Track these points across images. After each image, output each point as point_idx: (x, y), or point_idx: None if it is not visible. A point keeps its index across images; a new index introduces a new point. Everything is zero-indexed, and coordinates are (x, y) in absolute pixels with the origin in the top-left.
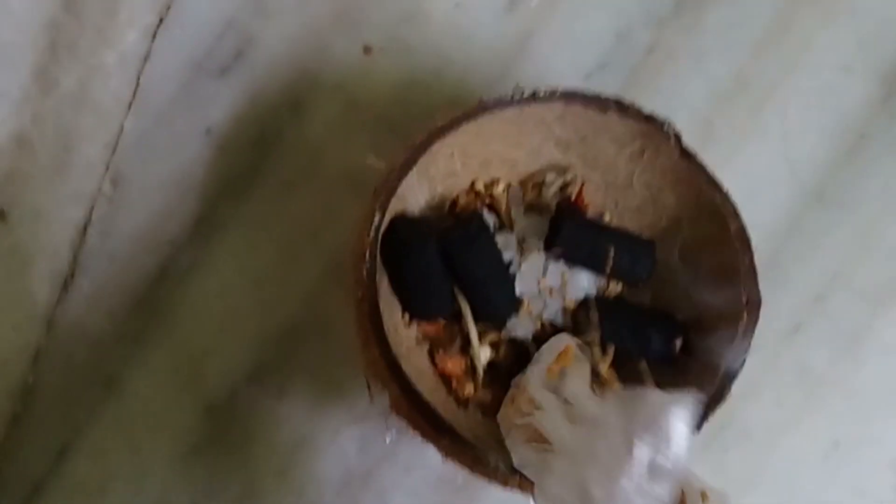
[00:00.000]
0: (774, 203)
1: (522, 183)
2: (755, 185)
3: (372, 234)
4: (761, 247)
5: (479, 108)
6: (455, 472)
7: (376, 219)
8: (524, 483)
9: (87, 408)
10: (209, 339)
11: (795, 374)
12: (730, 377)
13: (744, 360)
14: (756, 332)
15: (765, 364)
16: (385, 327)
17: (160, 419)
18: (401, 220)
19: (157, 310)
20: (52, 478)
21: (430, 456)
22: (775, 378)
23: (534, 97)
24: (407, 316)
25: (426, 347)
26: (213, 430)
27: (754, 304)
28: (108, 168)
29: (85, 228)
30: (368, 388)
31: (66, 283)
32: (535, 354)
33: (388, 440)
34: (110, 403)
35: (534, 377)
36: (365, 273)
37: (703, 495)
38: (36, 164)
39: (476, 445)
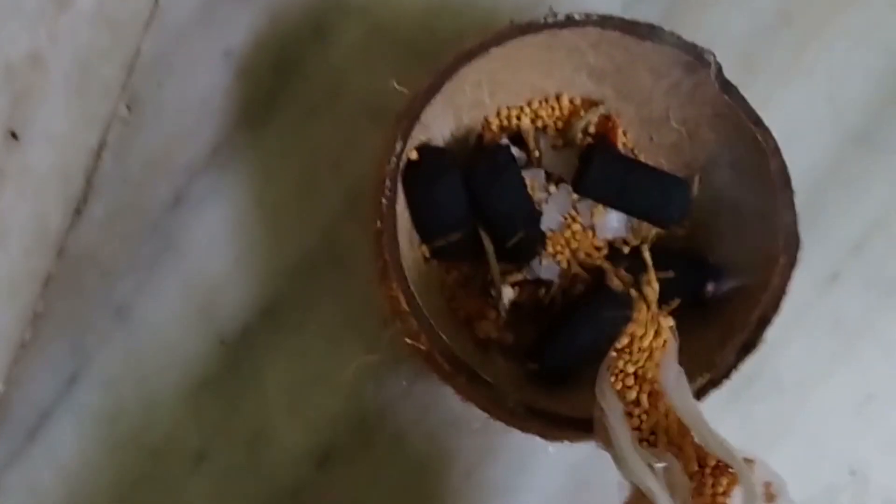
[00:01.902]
0: (815, 146)
1: (552, 115)
2: (796, 127)
3: (392, 162)
4: (799, 191)
5: (509, 32)
6: (472, 415)
7: (397, 146)
8: (544, 428)
9: (98, 336)
10: (223, 270)
11: (830, 324)
12: (764, 323)
13: (779, 306)
14: (792, 279)
15: (798, 314)
16: (404, 262)
17: (172, 350)
18: (424, 151)
19: (170, 238)
20: (61, 406)
21: (447, 397)
22: (809, 328)
23: (568, 21)
24: (427, 252)
25: (446, 287)
26: (225, 364)
27: (793, 247)
28: (123, 90)
29: (99, 152)
30: (385, 323)
31: (79, 208)
32: None
33: (404, 383)
34: (121, 332)
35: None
36: (384, 203)
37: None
38: (50, 83)
39: (494, 386)
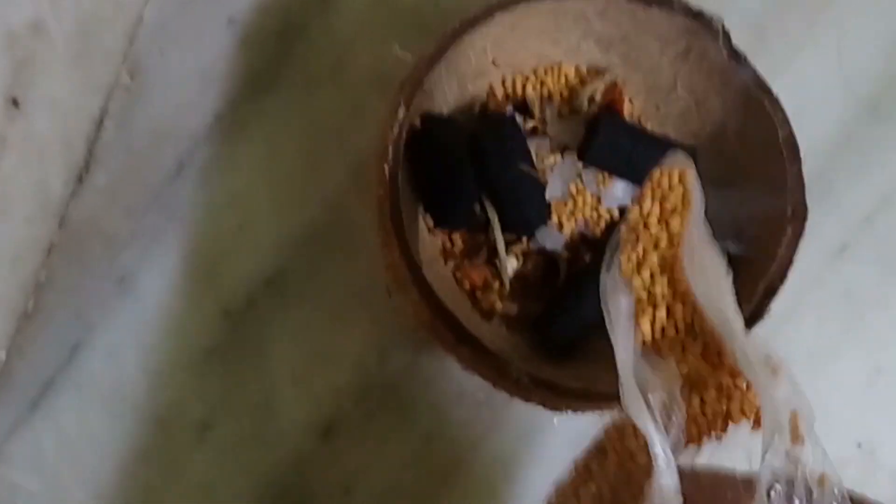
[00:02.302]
0: (825, 117)
1: (558, 84)
2: (806, 98)
3: (395, 129)
4: (809, 163)
5: None
6: (477, 387)
7: (400, 113)
8: (547, 397)
9: (101, 306)
10: (227, 240)
11: (840, 296)
12: (771, 293)
13: (786, 276)
14: (800, 250)
15: (808, 286)
16: (407, 231)
17: (175, 321)
18: (428, 120)
19: (173, 207)
20: (64, 375)
21: (451, 369)
22: (819, 300)
23: None
24: (431, 222)
25: (450, 258)
26: (229, 336)
27: (800, 216)
28: (125, 57)
29: (101, 120)
30: (388, 293)
31: (81, 177)
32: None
33: (408, 355)
34: (124, 302)
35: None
36: (387, 170)
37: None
38: (52, 51)
39: (498, 355)
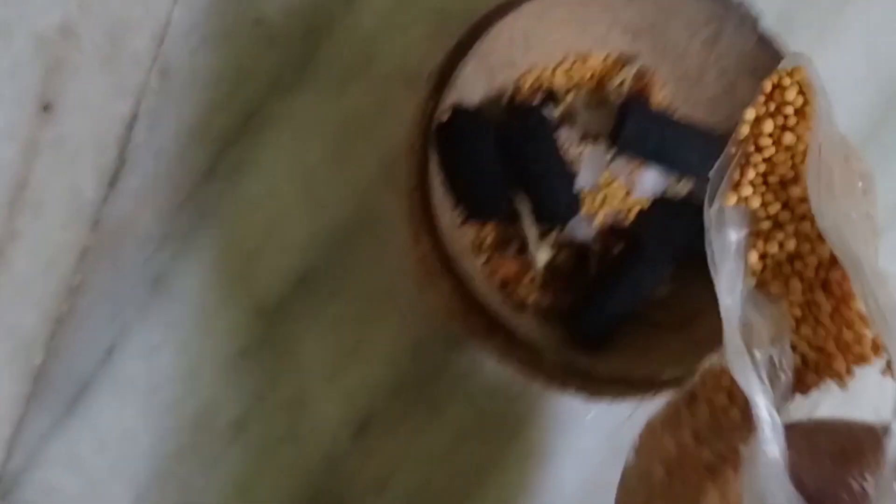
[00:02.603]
0: (853, 106)
1: (586, 74)
2: (834, 87)
3: (424, 121)
4: None
5: None
6: (510, 381)
7: (429, 103)
8: (582, 386)
9: (135, 307)
10: (258, 239)
11: None
12: None
13: None
14: None
15: None
16: (438, 225)
17: (209, 320)
18: (457, 112)
19: (205, 208)
20: (101, 377)
21: (484, 364)
22: None
23: None
24: (462, 216)
25: (481, 250)
26: (262, 333)
27: None
28: (155, 60)
29: (132, 123)
30: (420, 286)
31: (113, 180)
32: None
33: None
34: (158, 303)
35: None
36: (416, 162)
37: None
38: (82, 54)
39: (532, 345)
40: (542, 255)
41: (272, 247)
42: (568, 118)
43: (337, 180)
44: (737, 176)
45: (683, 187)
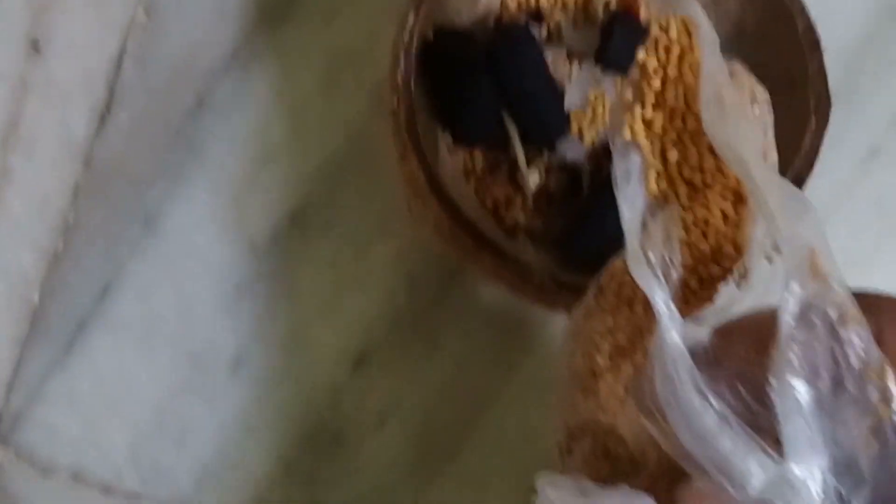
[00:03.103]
0: (850, 16)
1: None
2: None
3: (406, 37)
4: (835, 66)
5: None
6: (508, 312)
7: (410, 19)
8: (572, 302)
9: (129, 245)
10: (250, 174)
11: (872, 203)
12: (798, 185)
13: (813, 166)
14: (827, 152)
15: (838, 193)
16: (426, 149)
17: (203, 257)
18: (441, 34)
19: (195, 144)
20: (97, 316)
21: (481, 295)
22: (850, 208)
23: None
24: (450, 140)
25: (471, 177)
26: (257, 269)
27: (823, 107)
28: None
29: (120, 59)
30: (408, 208)
31: (103, 117)
32: None
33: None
34: (152, 241)
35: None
36: (400, 78)
37: None
38: None
39: (520, 261)
40: (532, 178)
41: (264, 181)
42: (554, 37)
43: (327, 113)
44: (633, 111)
45: None
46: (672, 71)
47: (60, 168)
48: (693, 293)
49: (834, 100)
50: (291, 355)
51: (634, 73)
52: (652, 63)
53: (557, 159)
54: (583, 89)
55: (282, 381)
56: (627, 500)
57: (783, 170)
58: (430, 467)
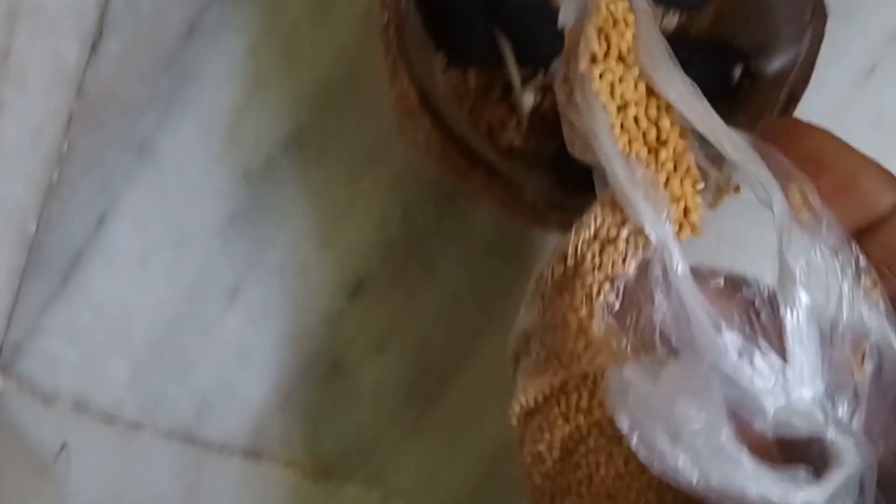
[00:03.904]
0: None
1: None
2: None
3: None
4: None
5: None
6: (503, 239)
7: None
8: (564, 220)
9: (123, 175)
10: (242, 101)
11: (870, 120)
12: (794, 100)
13: (808, 80)
14: (825, 69)
15: (836, 111)
16: (418, 69)
17: (197, 186)
18: None
19: (186, 71)
20: (93, 246)
21: (477, 222)
22: (848, 126)
23: None
24: (443, 62)
25: (465, 99)
26: (251, 198)
27: (819, 18)
28: None
29: None
30: (399, 125)
31: (95, 44)
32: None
33: (432, 208)
34: (146, 170)
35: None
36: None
37: None
38: None
39: (512, 179)
40: (527, 99)
41: (256, 108)
42: None
43: (319, 37)
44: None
45: (671, 21)
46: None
47: (53, 98)
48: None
49: (832, 15)
50: (287, 284)
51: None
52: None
53: (552, 79)
54: (576, 6)
55: (279, 310)
56: (689, 364)
57: (779, 84)
58: (427, 393)
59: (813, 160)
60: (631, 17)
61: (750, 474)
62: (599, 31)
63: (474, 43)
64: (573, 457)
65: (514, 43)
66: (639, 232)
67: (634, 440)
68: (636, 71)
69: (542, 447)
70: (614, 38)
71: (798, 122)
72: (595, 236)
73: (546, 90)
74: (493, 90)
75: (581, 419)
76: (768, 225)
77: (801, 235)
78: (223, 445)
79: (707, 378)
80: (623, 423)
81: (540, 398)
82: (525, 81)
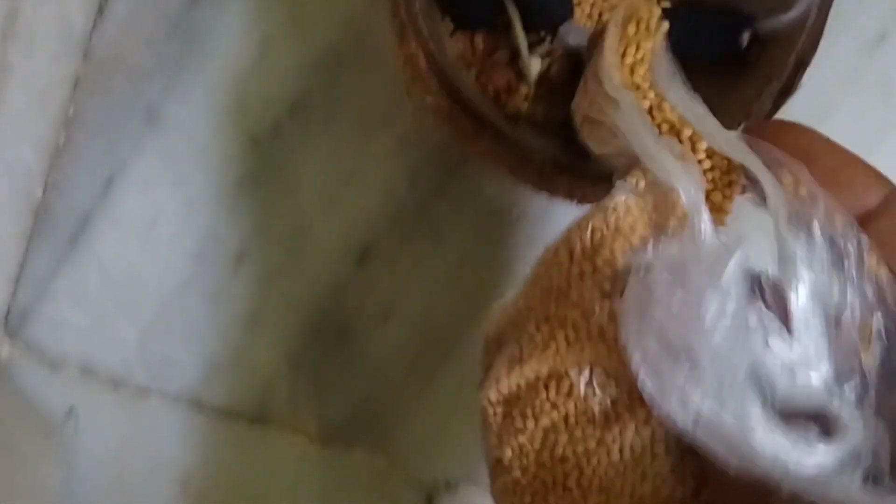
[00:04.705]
0: None
1: None
2: None
3: None
4: None
5: None
6: (509, 205)
7: None
8: (572, 185)
9: (130, 139)
10: (249, 66)
11: (879, 87)
12: (802, 65)
13: (816, 46)
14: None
15: (845, 79)
16: (425, 31)
17: (204, 151)
18: None
19: (193, 35)
20: (100, 210)
21: (483, 188)
22: (855, 95)
23: None
24: (451, 26)
25: (472, 64)
26: (258, 163)
27: None
28: None
29: None
30: (408, 92)
31: (101, 8)
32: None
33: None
34: (153, 134)
35: (608, 66)
36: None
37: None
38: None
39: (520, 142)
40: (534, 65)
41: (263, 72)
42: None
43: (326, 1)
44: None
45: None
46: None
47: (60, 62)
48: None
49: None
50: (294, 250)
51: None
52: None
53: (560, 45)
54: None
55: (285, 276)
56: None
57: (788, 50)
58: (433, 360)
59: (800, 155)
60: (659, 26)
61: (762, 423)
62: (634, 32)
63: (482, 9)
64: (558, 448)
65: (522, 9)
66: (658, 218)
67: (642, 372)
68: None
69: (523, 438)
70: (642, 44)
71: (785, 122)
72: (609, 225)
73: (553, 56)
74: (501, 56)
75: (571, 406)
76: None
77: (799, 213)
78: (230, 410)
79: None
80: (634, 353)
81: (523, 384)
82: (532, 47)
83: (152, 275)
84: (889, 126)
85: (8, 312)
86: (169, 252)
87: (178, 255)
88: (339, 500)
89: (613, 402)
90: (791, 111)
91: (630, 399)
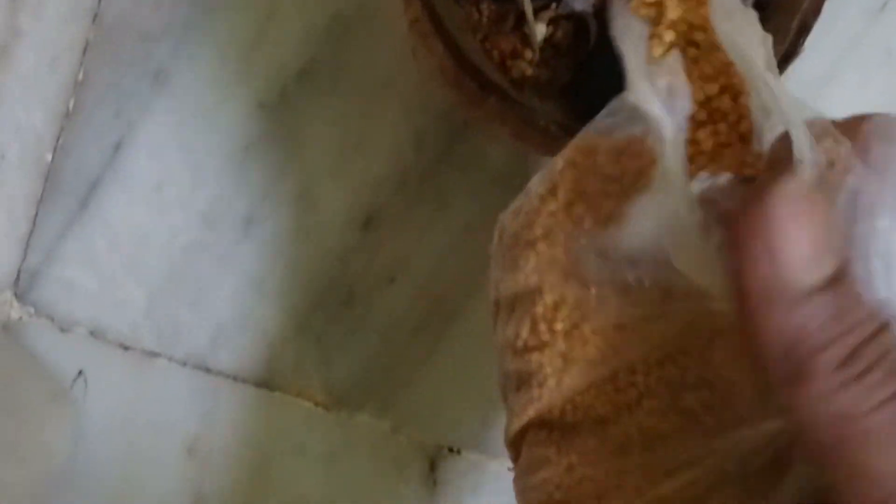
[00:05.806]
0: None
1: None
2: None
3: None
4: None
5: None
6: (514, 172)
7: None
8: None
9: (139, 103)
10: (256, 31)
11: (882, 54)
12: (804, 30)
13: (820, 10)
14: (839, 4)
15: (848, 45)
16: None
17: (212, 116)
18: None
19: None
20: (109, 174)
21: (488, 155)
22: (860, 61)
23: None
24: None
25: (478, 30)
26: (266, 128)
27: None
28: None
29: None
30: (413, 51)
31: None
32: None
33: (442, 144)
34: (162, 99)
35: None
36: None
37: None
38: None
39: (524, 104)
40: (539, 30)
41: (271, 38)
42: None
43: None
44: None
45: None
46: None
47: (69, 25)
48: (702, 153)
49: None
50: (301, 215)
51: None
52: None
53: (565, 10)
54: None
55: (292, 240)
56: None
57: (791, 14)
58: (437, 325)
59: None
60: None
61: None
62: None
63: None
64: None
65: None
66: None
67: None
68: None
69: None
70: None
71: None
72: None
73: (558, 20)
74: (506, 21)
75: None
76: None
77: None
78: (237, 374)
79: None
80: None
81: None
82: (537, 12)
83: (160, 238)
84: (892, 91)
85: (18, 275)
86: (177, 215)
87: (186, 219)
88: (343, 463)
89: None
90: (796, 77)
91: None
